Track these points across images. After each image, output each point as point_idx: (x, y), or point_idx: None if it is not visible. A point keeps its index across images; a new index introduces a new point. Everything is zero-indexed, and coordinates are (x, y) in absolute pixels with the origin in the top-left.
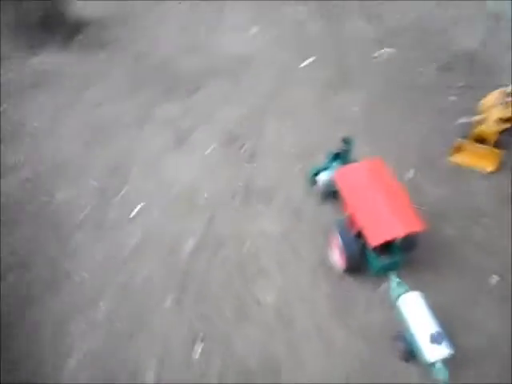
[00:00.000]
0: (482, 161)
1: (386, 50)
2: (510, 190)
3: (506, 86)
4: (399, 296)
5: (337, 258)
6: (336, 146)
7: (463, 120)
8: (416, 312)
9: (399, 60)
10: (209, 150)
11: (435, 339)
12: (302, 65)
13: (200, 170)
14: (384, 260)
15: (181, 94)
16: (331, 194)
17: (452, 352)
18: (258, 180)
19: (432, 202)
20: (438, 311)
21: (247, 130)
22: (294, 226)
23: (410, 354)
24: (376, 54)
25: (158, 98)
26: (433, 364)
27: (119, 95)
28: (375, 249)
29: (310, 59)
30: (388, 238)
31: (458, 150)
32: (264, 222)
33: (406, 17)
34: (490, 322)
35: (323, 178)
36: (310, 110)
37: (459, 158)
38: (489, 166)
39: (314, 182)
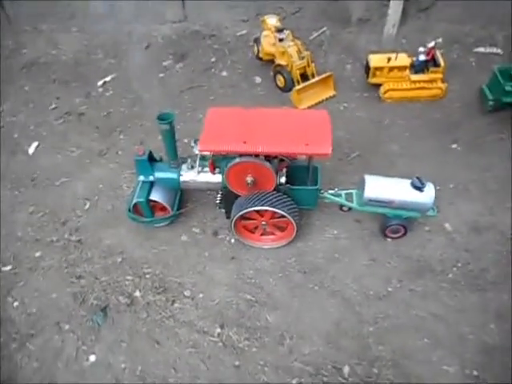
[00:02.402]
0: (322, 91)
1: None
2: None
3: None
4: (356, 195)
5: (277, 239)
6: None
7: (257, 80)
8: (384, 186)
9: None
10: None
11: (418, 185)
12: None
13: None
14: (313, 186)
15: None
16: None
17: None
18: None
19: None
20: None
21: None
22: None
23: (407, 224)
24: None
25: None
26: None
27: None
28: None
29: None
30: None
31: (296, 96)
32: None
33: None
34: None
35: (157, 195)
36: None
37: (305, 102)
38: (330, 91)
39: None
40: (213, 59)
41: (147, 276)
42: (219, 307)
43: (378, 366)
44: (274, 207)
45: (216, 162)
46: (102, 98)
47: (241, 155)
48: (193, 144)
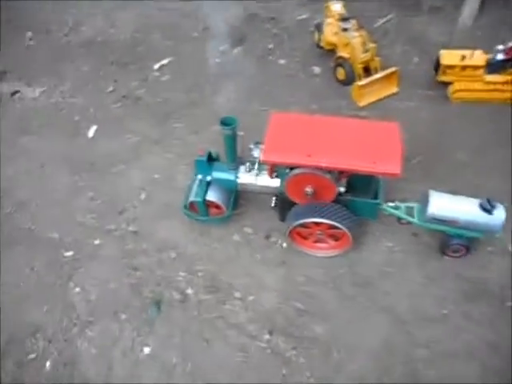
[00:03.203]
0: (385, 87)
1: None
2: None
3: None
4: (417, 210)
5: (331, 247)
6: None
7: (316, 70)
8: (449, 204)
9: None
10: None
11: (488, 207)
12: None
13: None
14: (374, 199)
15: None
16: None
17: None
18: None
19: None
20: None
21: None
22: None
23: (470, 243)
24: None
25: None
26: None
27: None
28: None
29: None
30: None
31: (357, 92)
32: None
33: None
34: None
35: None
36: None
37: (366, 99)
38: (393, 88)
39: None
40: (271, 45)
41: (199, 274)
42: (269, 313)
43: None
44: (333, 220)
45: (277, 167)
46: (159, 82)
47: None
48: (252, 146)
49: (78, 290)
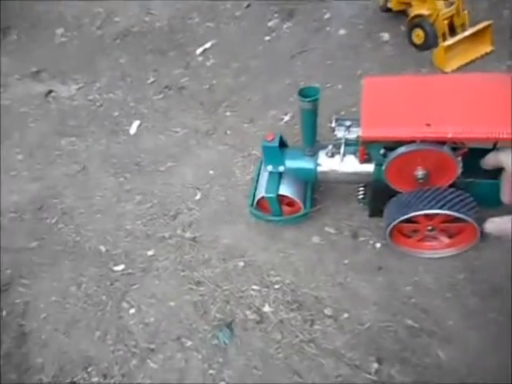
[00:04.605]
0: (475, 47)
1: None
2: None
3: None
4: None
5: (444, 246)
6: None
7: (385, 37)
8: None
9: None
10: None
11: None
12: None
13: None
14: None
15: None
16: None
17: None
18: None
19: None
20: None
21: None
22: None
23: None
24: None
25: None
26: None
27: None
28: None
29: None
30: None
31: (442, 55)
32: None
33: None
34: None
35: (289, 189)
36: None
37: (453, 63)
38: (487, 47)
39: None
40: (326, 15)
41: (276, 286)
42: (371, 333)
43: None
44: (456, 211)
45: (370, 148)
46: (203, 68)
47: (411, 142)
48: (333, 124)
49: (132, 311)
